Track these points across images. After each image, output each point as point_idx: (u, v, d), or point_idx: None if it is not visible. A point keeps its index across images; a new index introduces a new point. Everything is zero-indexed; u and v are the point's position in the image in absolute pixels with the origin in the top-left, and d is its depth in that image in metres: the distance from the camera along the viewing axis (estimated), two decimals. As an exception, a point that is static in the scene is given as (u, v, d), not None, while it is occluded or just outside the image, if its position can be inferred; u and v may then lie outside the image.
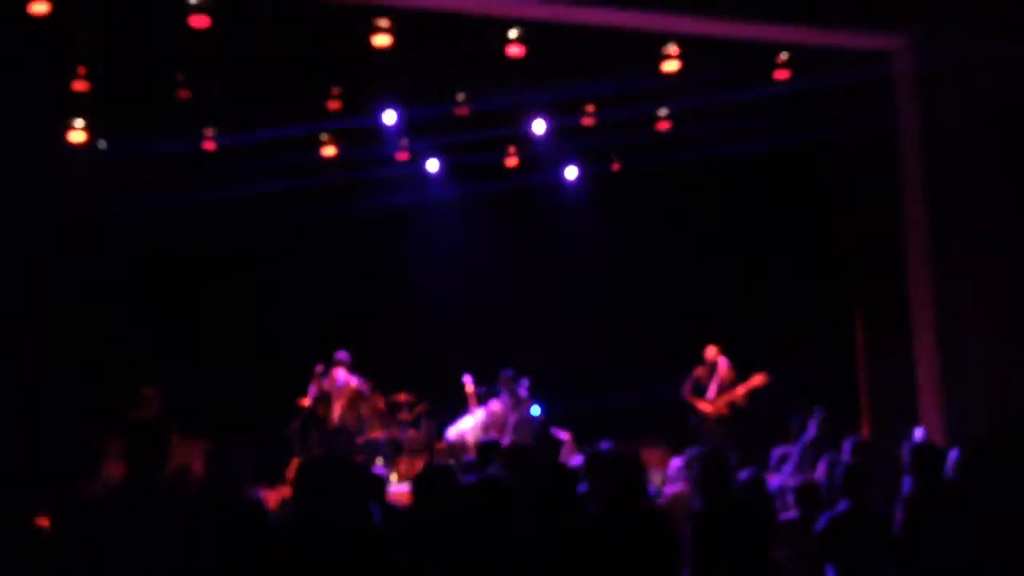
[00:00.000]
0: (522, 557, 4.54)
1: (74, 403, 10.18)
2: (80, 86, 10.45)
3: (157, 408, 9.75)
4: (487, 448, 7.06)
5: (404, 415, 11.89)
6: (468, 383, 11.85)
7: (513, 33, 10.00)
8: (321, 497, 4.21)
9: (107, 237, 11.55)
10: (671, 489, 7.03)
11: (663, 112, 12.21)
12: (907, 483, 6.05)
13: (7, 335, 9.87)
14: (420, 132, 12.69)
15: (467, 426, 11.56)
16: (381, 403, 11.76)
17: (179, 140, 11.80)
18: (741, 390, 11.47)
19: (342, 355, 11.45)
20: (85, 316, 11.24)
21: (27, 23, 8.91)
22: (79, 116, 11.31)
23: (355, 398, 11.40)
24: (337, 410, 11.28)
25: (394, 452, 11.45)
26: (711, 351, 11.71)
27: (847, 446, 7.10)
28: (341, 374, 11.41)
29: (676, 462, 7.34)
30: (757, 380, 11.45)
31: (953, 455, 5.93)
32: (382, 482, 6.48)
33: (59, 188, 10.75)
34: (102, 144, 11.77)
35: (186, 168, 12.01)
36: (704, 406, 11.57)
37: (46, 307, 10.62)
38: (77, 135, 11.40)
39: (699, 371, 11.73)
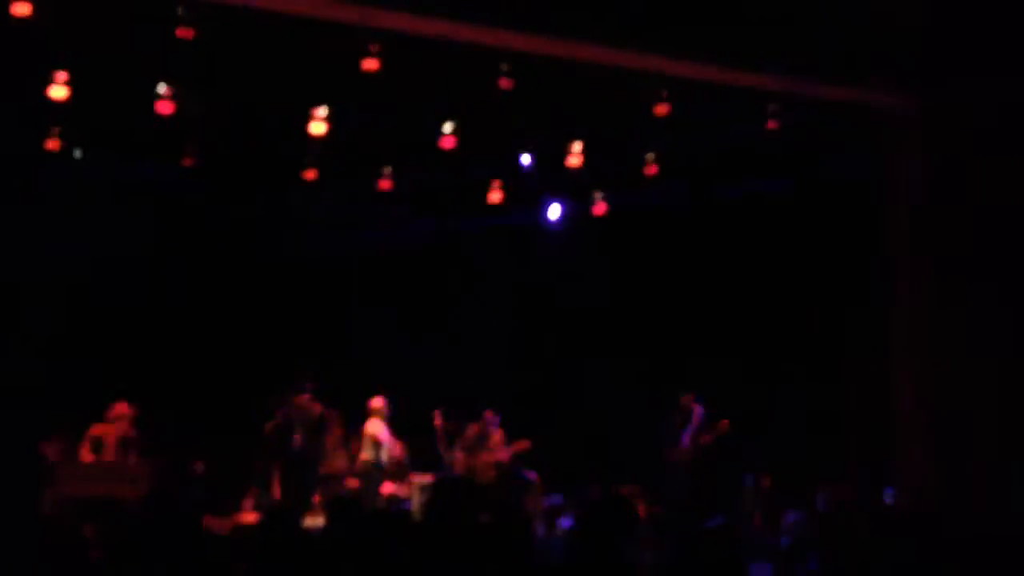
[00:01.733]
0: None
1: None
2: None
3: (128, 426, 9.50)
4: (442, 485, 6.88)
5: None
6: (437, 417, 11.56)
7: (504, 66, 9.89)
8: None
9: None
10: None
11: (651, 156, 12.10)
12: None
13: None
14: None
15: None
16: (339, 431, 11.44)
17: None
18: (707, 438, 11.32)
19: (307, 384, 11.08)
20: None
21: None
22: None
23: (318, 426, 11.05)
24: (298, 438, 10.93)
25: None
26: (686, 399, 11.55)
27: (819, 503, 6.95)
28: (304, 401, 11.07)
29: None
30: (722, 426, 11.32)
31: None
32: None
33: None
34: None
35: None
36: (674, 454, 11.39)
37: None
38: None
39: (674, 418, 11.56)
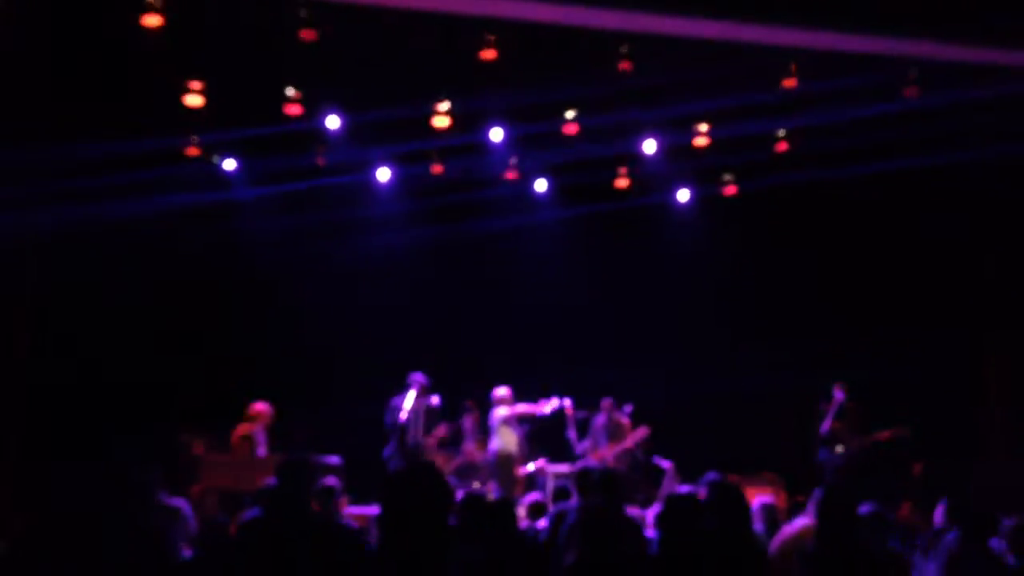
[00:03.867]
0: None
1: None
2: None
3: (267, 423, 9.81)
4: (584, 475, 6.83)
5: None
6: (568, 407, 11.44)
7: (623, 48, 9.71)
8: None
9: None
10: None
11: (781, 132, 11.73)
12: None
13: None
14: (528, 150, 12.49)
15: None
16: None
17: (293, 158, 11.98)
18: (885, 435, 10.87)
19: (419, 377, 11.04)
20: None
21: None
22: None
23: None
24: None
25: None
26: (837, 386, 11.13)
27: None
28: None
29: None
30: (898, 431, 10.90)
31: None
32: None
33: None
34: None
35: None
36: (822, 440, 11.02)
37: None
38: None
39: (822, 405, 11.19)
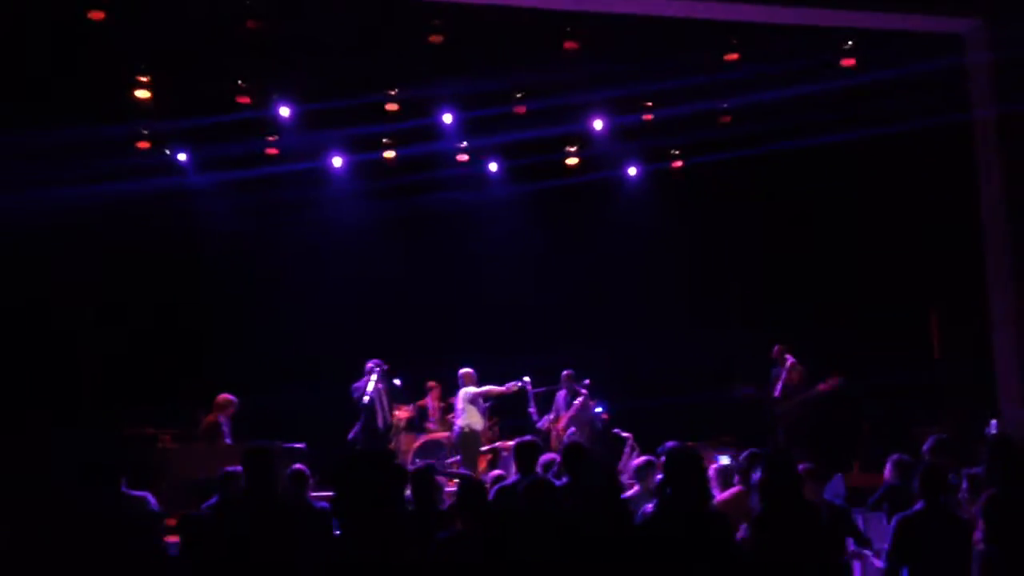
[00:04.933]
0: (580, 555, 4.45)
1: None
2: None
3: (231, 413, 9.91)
4: (526, 448, 6.93)
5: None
6: (527, 384, 11.62)
7: (568, 28, 9.86)
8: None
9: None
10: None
11: (724, 106, 11.95)
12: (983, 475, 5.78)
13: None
14: (478, 132, 12.61)
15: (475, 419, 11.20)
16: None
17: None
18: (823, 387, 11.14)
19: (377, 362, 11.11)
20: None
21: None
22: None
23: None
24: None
25: None
26: (779, 349, 11.41)
27: (925, 446, 6.81)
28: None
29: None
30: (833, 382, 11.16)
31: None
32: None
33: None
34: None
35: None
36: (775, 404, 11.29)
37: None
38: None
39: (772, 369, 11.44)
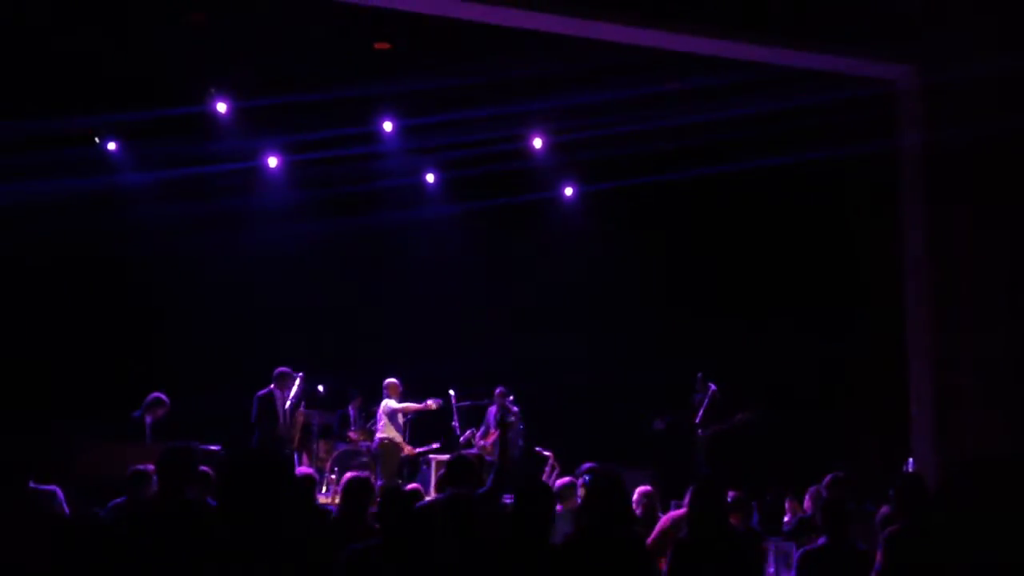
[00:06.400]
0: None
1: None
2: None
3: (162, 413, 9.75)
4: (458, 463, 6.89)
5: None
6: (452, 397, 11.61)
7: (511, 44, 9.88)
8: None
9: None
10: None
11: (662, 127, 12.07)
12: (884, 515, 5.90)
13: None
14: (418, 142, 12.59)
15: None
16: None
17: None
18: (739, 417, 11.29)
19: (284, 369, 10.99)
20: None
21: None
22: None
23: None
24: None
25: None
26: (702, 378, 11.54)
27: (824, 481, 6.97)
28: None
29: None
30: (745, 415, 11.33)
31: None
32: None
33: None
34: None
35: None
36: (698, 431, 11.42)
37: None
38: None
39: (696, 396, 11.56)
